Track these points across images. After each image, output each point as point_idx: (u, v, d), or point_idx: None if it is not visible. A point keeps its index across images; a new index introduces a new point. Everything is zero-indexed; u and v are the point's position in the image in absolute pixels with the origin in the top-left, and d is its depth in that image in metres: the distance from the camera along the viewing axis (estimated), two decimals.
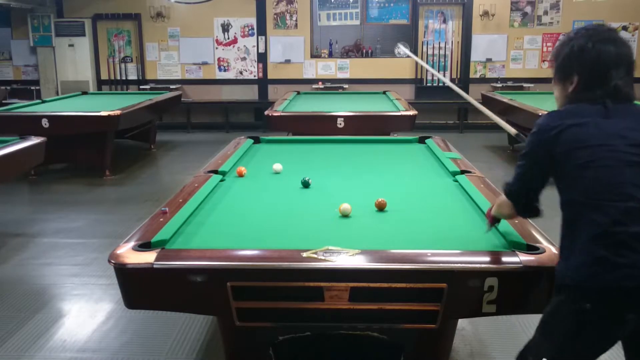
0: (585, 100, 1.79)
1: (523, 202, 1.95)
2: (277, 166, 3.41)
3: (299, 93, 8.26)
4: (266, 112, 6.07)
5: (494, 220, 2.23)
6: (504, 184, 2.00)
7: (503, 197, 2.03)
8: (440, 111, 10.06)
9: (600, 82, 1.78)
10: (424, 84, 10.12)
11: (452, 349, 2.71)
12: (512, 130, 2.86)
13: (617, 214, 1.66)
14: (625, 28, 9.93)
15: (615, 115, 1.75)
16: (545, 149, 1.78)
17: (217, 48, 10.21)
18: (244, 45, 10.20)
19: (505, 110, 7.70)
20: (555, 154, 1.76)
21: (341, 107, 6.32)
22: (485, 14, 9.85)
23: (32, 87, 10.26)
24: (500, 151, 8.16)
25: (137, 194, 6.05)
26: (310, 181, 3.08)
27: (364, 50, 10.18)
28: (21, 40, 10.28)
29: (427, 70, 10.05)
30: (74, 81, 10.07)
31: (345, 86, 9.97)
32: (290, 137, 5.21)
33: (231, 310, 2.01)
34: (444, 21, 10.02)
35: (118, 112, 6.41)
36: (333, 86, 9.96)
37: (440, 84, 10.08)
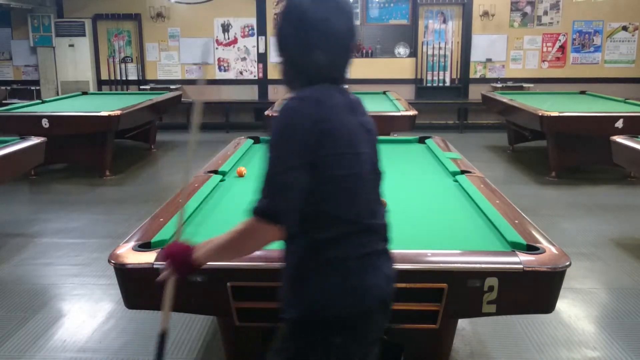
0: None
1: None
2: None
3: None
4: (266, 113, 6.07)
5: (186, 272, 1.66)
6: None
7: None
8: (440, 111, 10.07)
9: None
10: (424, 84, 10.12)
11: (452, 349, 2.71)
12: None
13: None
14: (625, 28, 9.93)
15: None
16: None
17: (217, 48, 10.22)
18: (244, 46, 10.21)
19: (505, 111, 7.71)
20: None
21: None
22: (485, 14, 9.85)
23: (32, 87, 10.26)
24: (500, 151, 8.16)
25: (137, 194, 6.05)
26: None
27: (364, 51, 10.18)
28: (21, 40, 10.29)
29: (427, 71, 10.06)
30: (74, 81, 10.07)
31: (345, 86, 9.95)
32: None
33: (231, 310, 2.01)
34: (444, 21, 10.02)
35: (118, 112, 6.41)
36: None
37: (441, 84, 10.09)
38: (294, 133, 1.43)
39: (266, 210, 1.44)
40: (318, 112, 1.46)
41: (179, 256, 1.61)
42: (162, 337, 1.76)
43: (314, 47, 1.50)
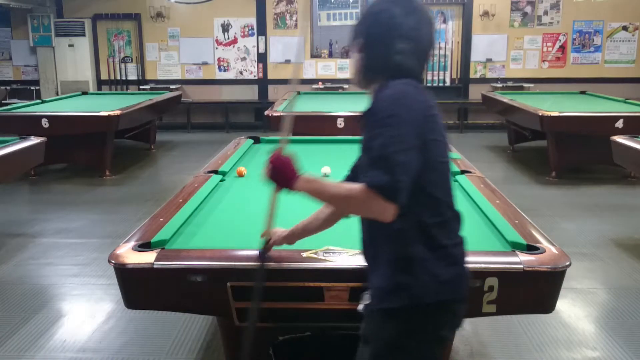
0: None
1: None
2: (326, 169, 3.35)
3: (299, 93, 8.25)
4: (266, 112, 6.06)
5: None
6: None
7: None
8: (440, 111, 10.04)
9: None
10: (424, 84, 10.07)
11: (452, 349, 2.71)
12: None
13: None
14: (625, 28, 9.93)
15: None
16: None
17: (217, 48, 10.22)
18: (244, 45, 10.20)
19: (505, 111, 7.71)
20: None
21: (341, 107, 6.32)
22: (485, 14, 9.85)
23: (32, 87, 10.27)
24: (500, 151, 8.16)
25: (137, 194, 6.04)
26: None
27: None
28: (21, 40, 10.29)
29: (427, 71, 10.07)
30: (74, 81, 10.07)
31: (345, 86, 9.97)
32: (290, 137, 5.20)
33: (231, 310, 2.01)
34: (444, 21, 10.02)
35: (118, 112, 6.41)
36: (333, 86, 9.95)
37: (441, 84, 10.09)
38: (410, 114, 1.48)
39: (387, 187, 1.40)
40: (425, 98, 1.57)
41: (282, 173, 1.60)
42: (266, 245, 1.88)
43: (400, 51, 1.59)
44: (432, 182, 1.54)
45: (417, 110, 1.50)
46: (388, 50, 1.59)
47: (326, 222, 1.92)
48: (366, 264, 1.70)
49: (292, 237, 1.98)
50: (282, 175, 1.59)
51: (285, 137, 1.70)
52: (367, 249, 1.68)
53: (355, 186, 1.46)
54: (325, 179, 1.61)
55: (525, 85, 9.89)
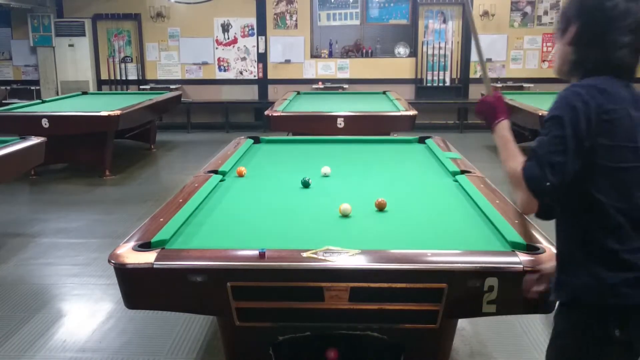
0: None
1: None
2: (326, 169, 3.36)
3: (299, 93, 8.26)
4: (266, 112, 6.07)
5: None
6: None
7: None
8: (440, 111, 10.07)
9: None
10: (424, 84, 10.12)
11: (452, 349, 2.71)
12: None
13: None
14: None
15: None
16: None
17: (217, 48, 10.22)
18: (244, 45, 10.21)
19: None
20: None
21: (341, 107, 6.32)
22: (485, 14, 9.85)
23: (32, 87, 10.27)
24: None
25: (137, 194, 6.05)
26: (310, 181, 3.08)
27: (364, 50, 10.18)
28: (21, 40, 10.29)
29: (427, 70, 10.08)
30: (74, 81, 10.07)
31: (345, 86, 9.97)
32: (290, 137, 5.21)
33: (231, 310, 2.01)
34: (444, 21, 10.02)
35: (118, 112, 6.41)
36: (333, 86, 9.95)
37: (441, 84, 10.10)
38: (576, 118, 1.46)
39: (535, 181, 1.48)
40: (602, 102, 1.48)
41: (496, 107, 1.81)
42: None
43: (622, 46, 1.52)
44: (598, 187, 1.50)
45: (586, 114, 1.45)
46: (607, 47, 1.52)
47: None
48: None
49: None
50: (495, 108, 1.80)
51: (490, 83, 1.95)
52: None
53: (519, 165, 1.55)
54: (512, 139, 1.67)
55: (525, 85, 9.89)
